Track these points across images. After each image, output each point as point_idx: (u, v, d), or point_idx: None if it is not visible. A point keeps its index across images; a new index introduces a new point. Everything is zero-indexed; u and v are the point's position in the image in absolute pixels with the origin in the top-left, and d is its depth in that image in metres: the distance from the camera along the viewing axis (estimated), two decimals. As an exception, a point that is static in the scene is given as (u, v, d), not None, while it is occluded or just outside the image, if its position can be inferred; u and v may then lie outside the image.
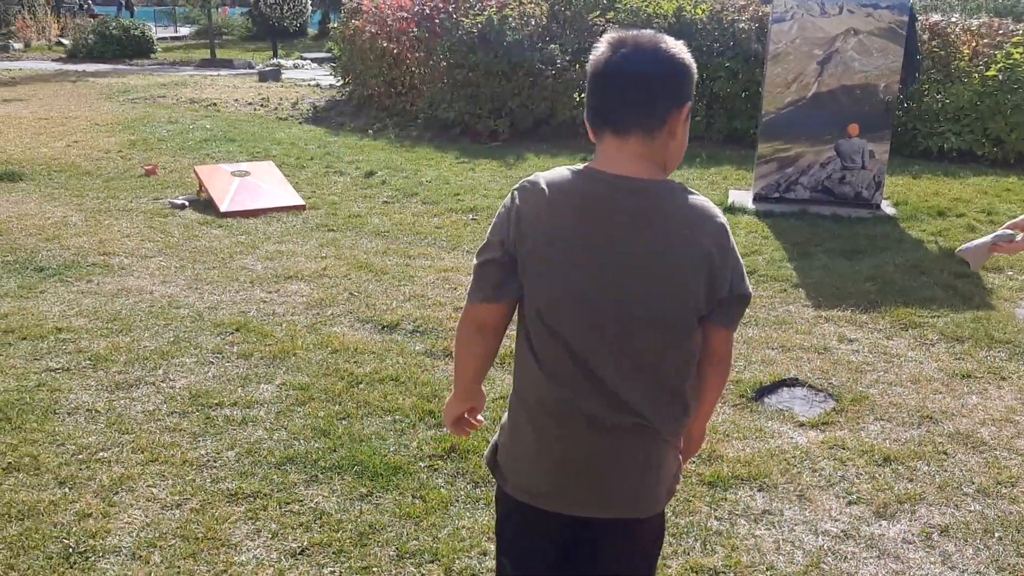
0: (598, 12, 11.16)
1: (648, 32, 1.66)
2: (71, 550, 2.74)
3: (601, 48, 1.65)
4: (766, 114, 7.51)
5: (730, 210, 7.41)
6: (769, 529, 2.97)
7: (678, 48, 1.66)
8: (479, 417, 2.02)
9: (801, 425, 3.75)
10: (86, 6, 39.05)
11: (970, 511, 3.08)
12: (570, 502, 1.76)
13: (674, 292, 1.65)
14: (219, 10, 36.97)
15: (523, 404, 1.78)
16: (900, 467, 3.37)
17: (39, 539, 2.78)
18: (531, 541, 1.86)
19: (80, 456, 3.32)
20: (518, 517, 1.84)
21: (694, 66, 1.68)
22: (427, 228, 6.76)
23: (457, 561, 2.74)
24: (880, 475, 3.31)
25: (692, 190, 1.69)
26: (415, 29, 11.82)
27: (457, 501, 3.08)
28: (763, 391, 4.10)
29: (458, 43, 10.99)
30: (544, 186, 1.68)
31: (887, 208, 7.54)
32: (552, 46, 10.84)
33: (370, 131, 11.24)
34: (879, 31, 7.19)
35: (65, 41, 25.08)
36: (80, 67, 20.14)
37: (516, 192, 1.71)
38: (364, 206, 7.42)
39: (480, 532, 2.89)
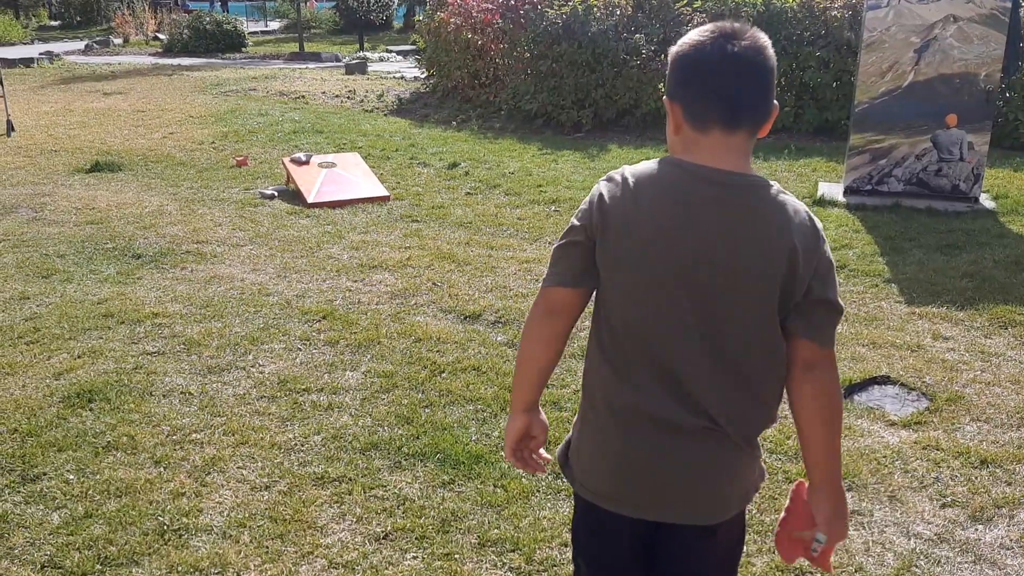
0: (684, 1, 11.00)
1: (745, 25, 1.61)
2: (165, 527, 2.83)
3: (707, 37, 1.58)
4: (859, 104, 7.30)
5: (820, 203, 7.23)
6: (858, 530, 2.89)
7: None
8: (543, 453, 1.86)
9: (892, 424, 3.64)
10: (180, 1, 40.29)
11: (1073, 518, 2.95)
12: (632, 505, 1.71)
13: (756, 288, 1.59)
14: (307, 4, 37.71)
15: (591, 401, 1.74)
16: (998, 470, 3.25)
17: (136, 516, 2.88)
18: (603, 543, 1.82)
19: (174, 437, 3.43)
20: (591, 518, 1.79)
21: None
22: (509, 219, 6.78)
23: (538, 551, 2.74)
24: (976, 478, 3.20)
25: (783, 189, 1.64)
26: (499, 20, 11.85)
27: (538, 491, 3.08)
28: (853, 388, 3.99)
29: (542, 34, 10.99)
30: (630, 177, 1.63)
31: (986, 202, 7.26)
32: (637, 36, 10.74)
33: (454, 122, 11.32)
34: (980, 17, 6.91)
35: (162, 36, 25.87)
36: (175, 61, 20.78)
37: (601, 182, 1.68)
38: (447, 197, 7.47)
39: (561, 523, 2.89)
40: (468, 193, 7.67)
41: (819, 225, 1.62)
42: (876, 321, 4.78)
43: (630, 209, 1.60)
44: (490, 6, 12.19)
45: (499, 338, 4.49)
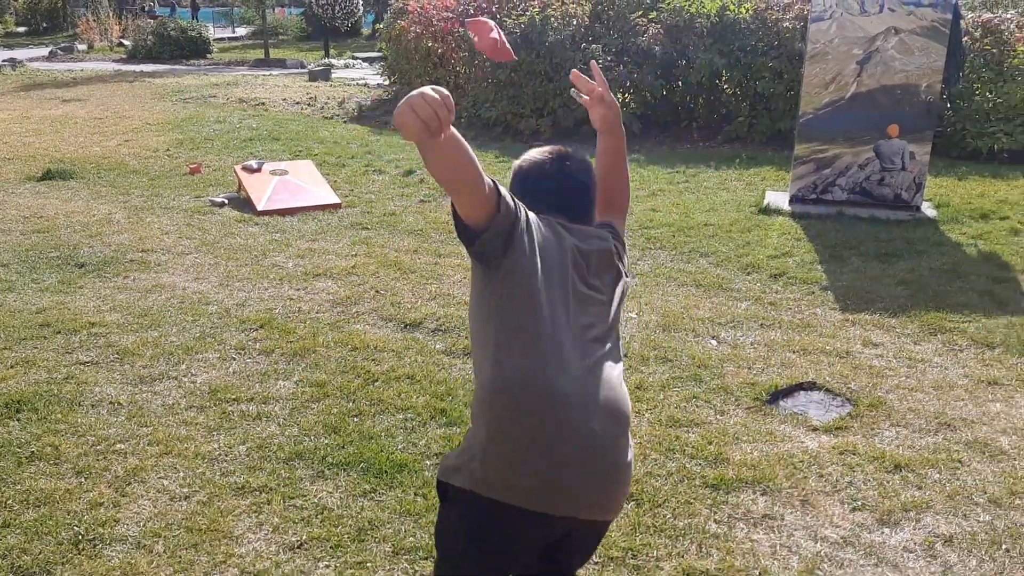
0: (640, 12, 11.11)
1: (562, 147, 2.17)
2: (81, 537, 2.84)
3: (544, 155, 2.14)
4: (803, 115, 7.42)
5: (765, 211, 7.34)
6: (768, 533, 2.95)
7: None
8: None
9: (814, 429, 3.72)
10: (147, 8, 39.99)
11: (979, 521, 3.03)
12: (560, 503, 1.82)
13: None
14: (276, 11, 37.61)
15: (501, 401, 1.80)
16: (910, 474, 3.32)
17: (52, 526, 2.89)
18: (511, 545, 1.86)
19: (99, 447, 3.44)
20: (499, 521, 1.81)
21: None
22: (459, 227, 6.80)
23: (451, 558, 2.77)
24: (888, 482, 3.27)
25: None
26: (459, 29, 11.90)
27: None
28: (778, 394, 4.07)
29: (501, 43, 11.03)
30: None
31: (928, 210, 7.40)
32: (594, 46, 10.83)
33: (413, 130, 11.32)
34: (921, 30, 7.05)
35: (126, 42, 25.73)
36: (138, 67, 20.65)
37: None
38: (400, 204, 7.50)
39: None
40: (422, 200, 7.71)
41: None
42: (809, 328, 4.86)
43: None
44: (450, 15, 12.24)
45: (438, 346, 4.53)
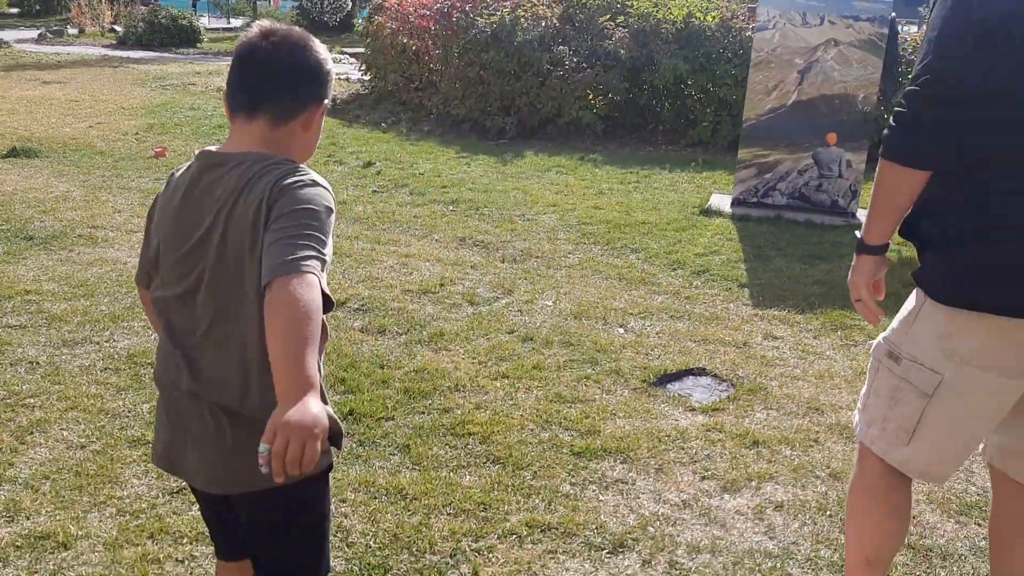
0: (608, 16, 11.35)
1: (286, 27, 1.79)
2: (-27, 476, 3.06)
3: (249, 35, 1.76)
4: (747, 120, 7.66)
5: (706, 212, 7.57)
6: (616, 496, 3.19)
7: (324, 50, 1.81)
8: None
9: (691, 410, 3.95)
10: (144, -5, 40.05)
11: (815, 491, 3.27)
12: None
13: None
14: (271, 3, 37.78)
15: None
16: (765, 450, 3.56)
17: (-52, 466, 3.11)
18: None
19: (8, 400, 3.66)
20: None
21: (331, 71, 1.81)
22: (406, 217, 7.05)
23: (315, 506, 3.00)
24: (742, 456, 3.51)
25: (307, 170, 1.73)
26: (434, 27, 12.14)
27: (338, 454, 3.34)
28: (667, 378, 4.30)
29: (472, 41, 11.29)
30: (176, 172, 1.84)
31: (862, 217, 7.63)
32: (561, 47, 11.07)
33: (383, 124, 11.57)
34: (859, 42, 7.31)
35: (118, 28, 25.87)
36: (125, 53, 20.82)
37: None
38: (353, 194, 7.73)
39: (346, 485, 3.15)
40: (375, 191, 7.94)
41: (291, 181, 1.65)
42: (717, 321, 5.10)
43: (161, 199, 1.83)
44: (427, 11, 12.47)
45: (355, 324, 4.76)
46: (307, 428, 1.39)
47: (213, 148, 1.79)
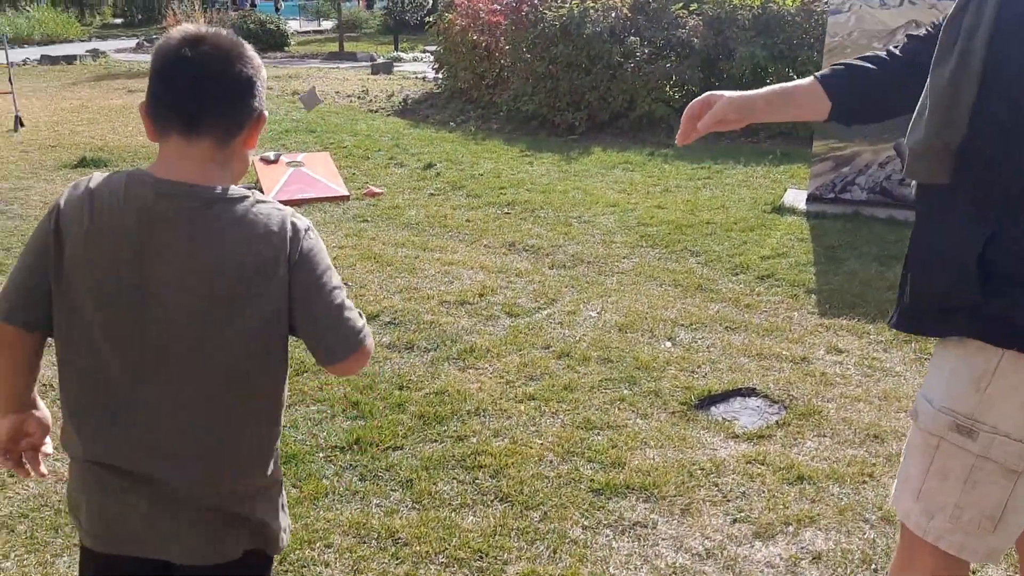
0: (681, 4, 10.89)
1: (217, 29, 1.59)
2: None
3: (172, 42, 1.55)
4: (821, 110, 7.15)
5: (778, 210, 7.11)
6: (631, 542, 2.86)
7: (256, 55, 1.62)
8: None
9: (734, 437, 3.59)
10: (238, 0, 41.10)
11: (861, 539, 2.88)
12: None
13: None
14: (359, 3, 38.17)
15: None
16: (810, 487, 3.18)
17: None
18: None
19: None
20: None
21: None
22: (457, 221, 6.81)
23: (297, 552, 2.78)
24: (783, 494, 3.14)
25: (263, 198, 1.61)
26: (504, 22, 11.89)
27: (332, 492, 3.12)
28: (712, 400, 3.94)
29: (540, 35, 10.99)
30: (92, 185, 1.57)
31: (951, 211, 7.04)
32: (632, 38, 10.67)
33: (452, 123, 11.38)
34: (945, 22, 6.72)
35: (211, 35, 26.44)
36: (214, 60, 21.23)
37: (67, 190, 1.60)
38: (408, 198, 7.53)
39: (336, 527, 2.92)
40: (431, 194, 7.73)
41: (299, 232, 1.59)
42: (776, 332, 4.69)
43: (82, 222, 1.53)
44: (498, 7, 12.24)
45: (384, 339, 4.53)
46: None
47: (146, 169, 1.57)
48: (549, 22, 10.94)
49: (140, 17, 40.18)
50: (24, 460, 1.68)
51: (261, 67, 1.62)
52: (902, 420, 3.70)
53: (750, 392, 4.01)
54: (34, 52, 22.21)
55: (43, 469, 1.71)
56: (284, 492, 1.75)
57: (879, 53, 2.06)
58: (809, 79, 2.04)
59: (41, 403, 1.69)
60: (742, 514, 3.02)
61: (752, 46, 10.27)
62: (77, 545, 2.70)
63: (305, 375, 4.07)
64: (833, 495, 3.12)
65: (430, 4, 22.27)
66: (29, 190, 7.75)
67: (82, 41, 27.87)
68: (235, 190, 1.56)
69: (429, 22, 13.81)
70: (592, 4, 10.90)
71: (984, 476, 1.72)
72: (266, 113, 1.64)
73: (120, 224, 1.52)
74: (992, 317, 1.68)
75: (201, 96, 1.54)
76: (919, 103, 1.84)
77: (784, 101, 2.05)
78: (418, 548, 2.80)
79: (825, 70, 2.12)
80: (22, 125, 10.84)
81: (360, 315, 1.65)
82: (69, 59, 19.94)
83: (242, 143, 1.60)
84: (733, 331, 4.70)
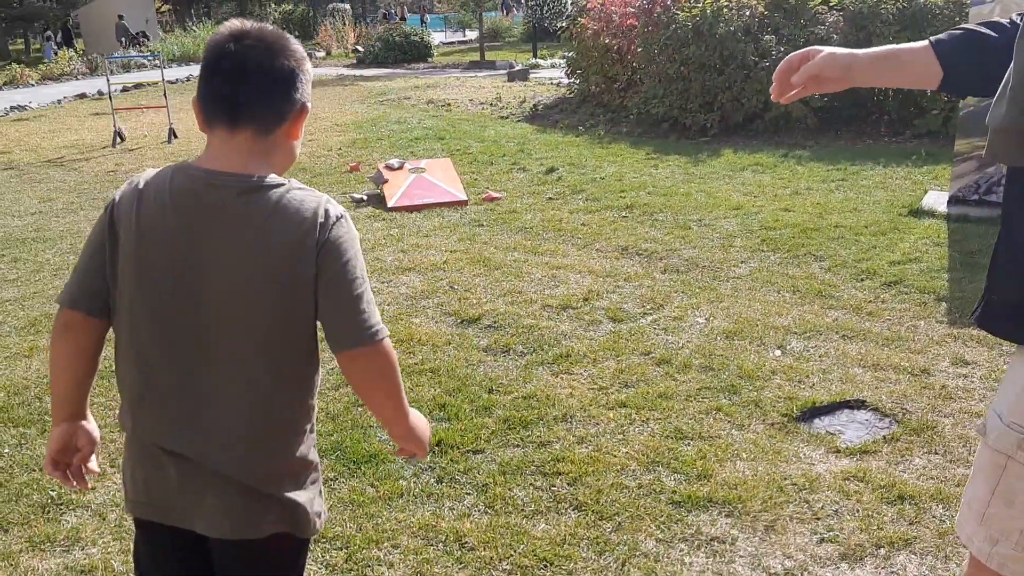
0: (820, 0, 10.45)
1: (261, 25, 1.62)
2: (51, 501, 3.10)
3: (220, 37, 1.61)
4: (964, 107, 6.70)
5: (916, 213, 6.69)
6: (707, 558, 2.72)
7: (301, 48, 1.65)
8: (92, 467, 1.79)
9: (836, 451, 3.37)
10: (388, 15, 42.39)
11: (959, 565, 2.63)
12: None
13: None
14: (507, 14, 38.61)
15: None
16: (910, 507, 2.94)
17: (35, 489, 3.17)
18: None
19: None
20: None
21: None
22: (572, 225, 6.74)
23: (363, 551, 2.78)
24: (879, 514, 2.91)
25: (301, 187, 1.63)
26: (637, 24, 11.74)
27: (407, 493, 3.11)
28: (816, 411, 3.71)
29: (672, 37, 10.79)
30: (141, 182, 1.66)
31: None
32: (767, 37, 10.31)
33: (580, 128, 11.32)
34: (1105, 6, 6.15)
35: (360, 48, 27.42)
36: (360, 72, 21.97)
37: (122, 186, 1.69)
38: (526, 203, 7.52)
39: (405, 528, 2.90)
40: (550, 198, 7.69)
41: (332, 219, 1.60)
42: (898, 342, 4.40)
43: (132, 216, 1.62)
44: (632, 9, 12.10)
45: (482, 342, 4.52)
46: None
47: (192, 162, 1.65)
48: (681, 23, 10.72)
49: (297, 33, 42.04)
50: (69, 475, 1.74)
51: (305, 59, 1.65)
52: (1028, 439, 3.38)
53: (859, 404, 3.76)
54: (197, 69, 23.54)
55: (88, 483, 1.79)
56: (321, 477, 1.77)
57: (1002, 20, 1.84)
58: (923, 42, 1.82)
59: (91, 417, 1.76)
60: (831, 534, 2.82)
61: (898, 41, 9.71)
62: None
63: (399, 376, 4.09)
64: (935, 517, 2.87)
65: (569, 11, 22.33)
66: (172, 197, 8.19)
67: (242, 58, 29.31)
68: (273, 178, 1.61)
69: (561, 27, 13.79)
70: (726, 3, 10.61)
71: None
72: (309, 105, 1.66)
73: (167, 214, 1.59)
74: None
75: (242, 88, 1.58)
76: (1004, 79, 1.65)
77: (891, 63, 1.82)
78: (483, 553, 2.75)
79: (942, 35, 1.89)
80: (175, 137, 11.50)
81: (377, 315, 1.62)
82: (226, 75, 21.01)
83: (284, 134, 1.64)
84: (850, 340, 4.43)
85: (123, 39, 29.59)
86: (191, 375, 1.60)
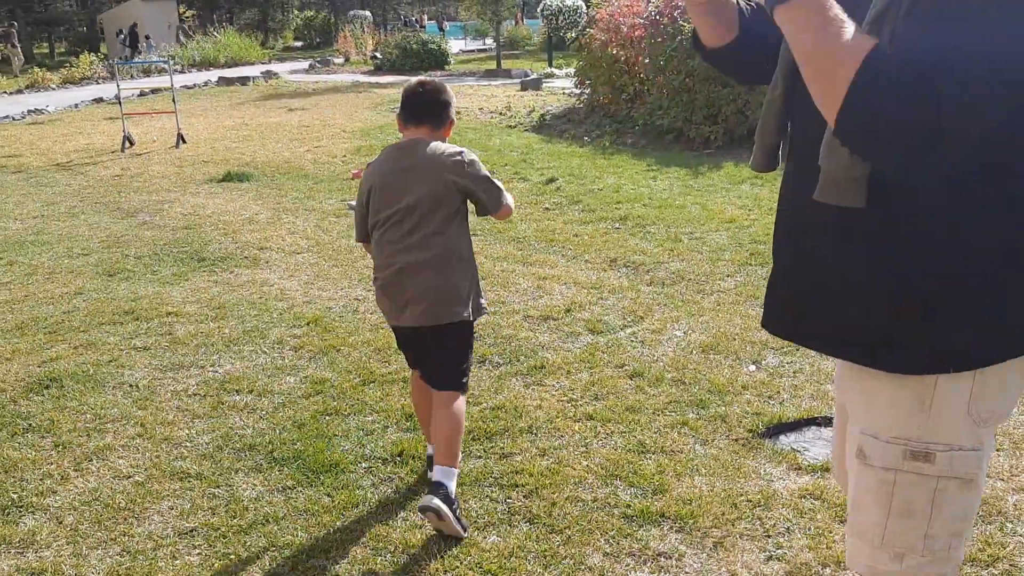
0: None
1: (438, 80, 3.19)
2: (12, 503, 3.14)
3: (412, 85, 3.12)
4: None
5: None
6: (652, 573, 2.71)
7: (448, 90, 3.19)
8: None
9: (797, 469, 3.35)
10: (408, 22, 42.53)
11: (907, 588, 2.61)
12: None
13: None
14: (524, 22, 38.68)
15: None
16: (863, 528, 2.92)
17: (-2, 491, 3.22)
18: None
19: (90, 425, 3.77)
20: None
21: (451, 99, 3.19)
22: (564, 236, 6.76)
23: (312, 560, 2.80)
24: (832, 532, 2.90)
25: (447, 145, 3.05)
26: (644, 35, 11.74)
27: (363, 503, 3.13)
28: (783, 427, 3.70)
29: (677, 48, 10.78)
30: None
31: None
32: (772, 49, 10.28)
33: (586, 138, 11.34)
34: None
35: (378, 55, 27.61)
36: (376, 79, 22.09)
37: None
38: (523, 212, 7.54)
39: (357, 537, 2.92)
40: (546, 208, 7.71)
41: (466, 158, 3.00)
42: (875, 358, 4.37)
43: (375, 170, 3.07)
44: (641, 20, 12.11)
45: (460, 353, 4.52)
46: None
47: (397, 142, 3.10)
48: (687, 34, 10.70)
49: (318, 40, 42.36)
50: None
51: (452, 96, 3.19)
52: (999, 461, 3.36)
53: (827, 422, 3.74)
54: (215, 75, 23.79)
55: None
56: (480, 286, 3.18)
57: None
58: None
59: None
60: (779, 551, 2.81)
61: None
62: (112, 539, 2.83)
63: (370, 385, 4.12)
64: (886, 538, 2.86)
65: (584, 21, 22.35)
66: (173, 203, 8.28)
67: (262, 63, 29.61)
68: (435, 142, 3.04)
69: (571, 37, 13.81)
70: (731, 15, 10.58)
71: (947, 496, 1.60)
72: (455, 120, 3.25)
73: (389, 165, 3.02)
74: (933, 338, 1.55)
75: (423, 110, 3.08)
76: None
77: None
78: (429, 565, 2.76)
79: None
80: (184, 142, 11.61)
81: (504, 190, 3.08)
82: (243, 80, 21.21)
83: (442, 135, 3.11)
84: (827, 357, 4.41)
85: (127, 44, 30.03)
86: (405, 249, 2.96)
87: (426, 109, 3.03)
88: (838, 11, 1.36)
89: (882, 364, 1.59)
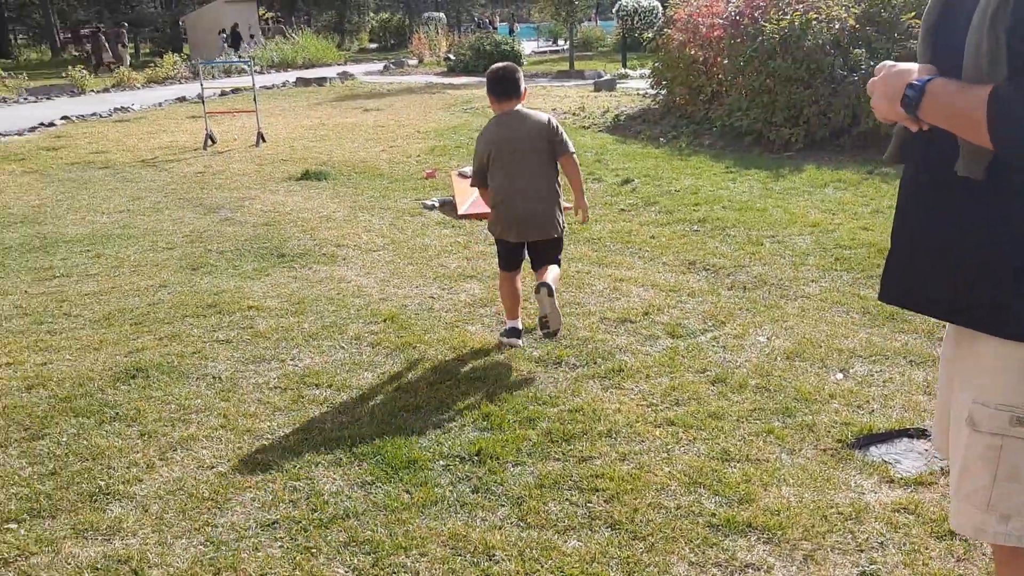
0: (913, 14, 10.11)
1: (510, 63, 4.48)
2: (99, 491, 3.20)
3: (494, 67, 4.45)
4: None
5: None
6: (739, 585, 2.64)
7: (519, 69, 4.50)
8: None
9: (889, 481, 3.23)
10: (482, 23, 42.70)
11: (1010, 611, 2.48)
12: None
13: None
14: (597, 23, 38.50)
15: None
16: (961, 544, 2.79)
17: (85, 478, 3.28)
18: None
19: (175, 415, 3.83)
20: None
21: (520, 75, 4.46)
22: (641, 238, 6.67)
23: (392, 557, 2.78)
24: (927, 549, 2.78)
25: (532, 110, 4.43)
26: (724, 35, 11.57)
27: (442, 501, 3.10)
28: (874, 438, 3.57)
29: (758, 49, 10.59)
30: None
31: None
32: (856, 50, 10.04)
33: (662, 139, 11.21)
34: None
35: (452, 57, 27.76)
36: (449, 80, 22.20)
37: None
38: (597, 213, 7.47)
39: (434, 538, 2.90)
40: (622, 209, 7.63)
41: (552, 122, 4.44)
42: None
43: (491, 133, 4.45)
44: (720, 20, 11.93)
45: (534, 353, 4.49)
46: None
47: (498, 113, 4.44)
48: (768, 35, 10.51)
49: (393, 42, 42.79)
50: None
51: (521, 75, 4.43)
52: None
53: (920, 434, 3.60)
54: (293, 75, 24.20)
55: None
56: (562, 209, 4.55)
57: None
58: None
59: None
60: (873, 567, 2.70)
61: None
62: (196, 529, 2.86)
63: (447, 383, 4.10)
64: (985, 555, 2.73)
65: (660, 21, 22.16)
66: (253, 200, 8.41)
67: (338, 65, 30.02)
68: (527, 110, 4.42)
69: (647, 38, 13.68)
70: (814, 16, 10.36)
71: None
72: (526, 90, 4.44)
73: (503, 130, 4.36)
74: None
75: (505, 87, 4.37)
76: None
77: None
78: (509, 567, 2.72)
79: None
80: (264, 141, 11.81)
81: (572, 145, 4.53)
82: (320, 81, 21.54)
83: (522, 101, 4.41)
84: (918, 366, 4.26)
85: (228, 44, 30.70)
86: (518, 182, 4.38)
87: (508, 87, 4.36)
88: (957, 84, 1.58)
89: (997, 330, 1.65)
